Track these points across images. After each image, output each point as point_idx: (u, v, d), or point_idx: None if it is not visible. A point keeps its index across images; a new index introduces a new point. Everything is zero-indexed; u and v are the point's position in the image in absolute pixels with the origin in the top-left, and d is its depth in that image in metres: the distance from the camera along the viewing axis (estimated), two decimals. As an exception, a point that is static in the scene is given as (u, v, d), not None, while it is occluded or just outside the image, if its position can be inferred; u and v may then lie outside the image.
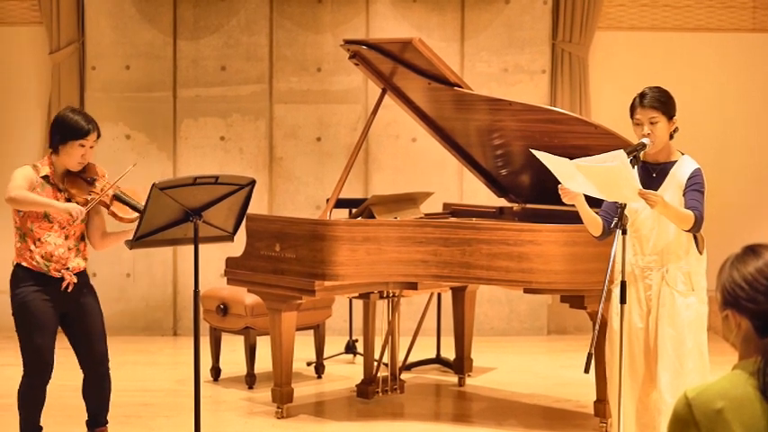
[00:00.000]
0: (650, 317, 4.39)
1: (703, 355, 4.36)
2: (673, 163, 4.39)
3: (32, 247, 4.62)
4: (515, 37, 8.27)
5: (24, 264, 4.64)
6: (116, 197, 4.72)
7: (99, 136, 4.72)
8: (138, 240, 4.41)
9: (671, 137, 4.41)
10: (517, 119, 5.75)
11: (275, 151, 8.32)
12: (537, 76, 8.26)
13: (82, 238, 4.78)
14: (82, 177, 4.71)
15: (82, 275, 4.76)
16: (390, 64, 5.90)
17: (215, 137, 8.31)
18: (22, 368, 4.71)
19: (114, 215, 4.71)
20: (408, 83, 6.01)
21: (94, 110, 8.20)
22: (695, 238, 4.34)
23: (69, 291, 4.67)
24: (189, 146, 8.28)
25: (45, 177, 4.66)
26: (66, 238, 4.68)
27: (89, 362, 4.81)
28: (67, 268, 4.66)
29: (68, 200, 4.67)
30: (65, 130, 4.65)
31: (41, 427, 4.83)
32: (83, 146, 4.64)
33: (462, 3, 8.29)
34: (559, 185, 4.28)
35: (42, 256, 4.61)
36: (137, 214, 4.65)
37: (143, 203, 4.48)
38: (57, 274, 4.64)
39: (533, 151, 4.30)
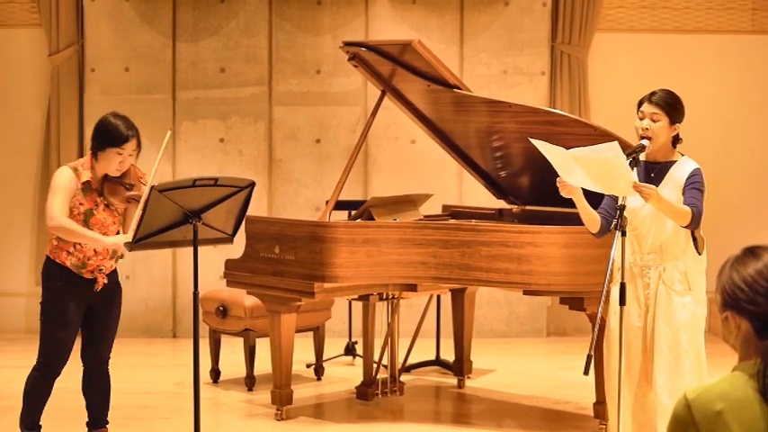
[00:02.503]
0: (648, 316, 4.39)
1: (700, 356, 4.35)
2: (672, 163, 4.39)
3: (71, 249, 4.65)
4: (515, 39, 8.26)
5: (57, 261, 4.66)
6: None
7: (139, 144, 4.68)
8: (138, 242, 4.42)
9: (674, 145, 4.41)
10: (516, 121, 5.74)
11: (275, 153, 8.32)
12: (536, 78, 8.26)
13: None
14: (121, 183, 4.70)
15: (112, 274, 4.80)
16: (390, 66, 5.90)
17: (214, 139, 8.30)
18: (36, 359, 4.74)
19: None
20: (408, 85, 6.01)
21: (93, 112, 8.23)
22: (694, 237, 4.34)
23: (98, 290, 4.71)
24: (188, 148, 8.28)
25: (86, 183, 4.65)
26: None
27: (90, 358, 4.86)
28: (101, 270, 4.69)
29: (107, 206, 4.69)
30: (103, 137, 4.64)
31: (41, 426, 4.84)
32: (120, 154, 4.62)
33: (462, 5, 8.29)
34: (558, 178, 4.28)
35: (78, 259, 4.64)
36: None
37: None
38: (89, 276, 4.68)
39: (532, 140, 4.31)
